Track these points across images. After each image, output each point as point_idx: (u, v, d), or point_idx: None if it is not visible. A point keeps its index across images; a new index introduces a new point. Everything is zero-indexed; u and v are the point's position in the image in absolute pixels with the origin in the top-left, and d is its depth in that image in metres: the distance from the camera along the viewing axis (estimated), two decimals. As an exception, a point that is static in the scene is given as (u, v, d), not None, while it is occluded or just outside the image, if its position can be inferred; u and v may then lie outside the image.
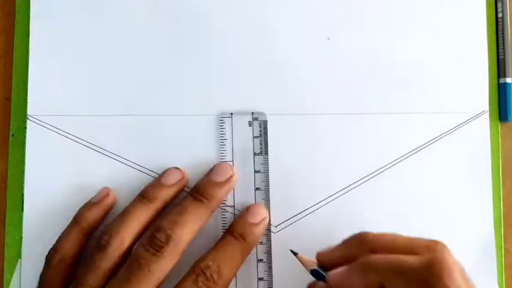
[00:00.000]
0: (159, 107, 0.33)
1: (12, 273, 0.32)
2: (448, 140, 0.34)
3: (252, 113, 0.33)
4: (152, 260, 0.27)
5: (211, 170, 0.31)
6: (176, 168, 0.32)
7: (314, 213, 0.32)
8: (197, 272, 0.27)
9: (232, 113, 0.33)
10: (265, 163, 0.32)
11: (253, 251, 0.31)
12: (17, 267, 0.32)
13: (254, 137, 0.32)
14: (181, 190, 0.31)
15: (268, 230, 0.32)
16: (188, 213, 0.29)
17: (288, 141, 0.33)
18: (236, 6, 0.34)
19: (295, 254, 0.29)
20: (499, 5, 0.35)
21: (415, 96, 0.34)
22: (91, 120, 0.33)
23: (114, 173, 0.32)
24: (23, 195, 0.32)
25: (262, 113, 0.33)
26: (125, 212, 0.29)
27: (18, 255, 0.32)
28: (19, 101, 0.33)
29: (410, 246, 0.26)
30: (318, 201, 0.32)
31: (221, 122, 0.33)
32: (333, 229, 0.32)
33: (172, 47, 0.33)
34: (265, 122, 0.33)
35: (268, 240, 0.32)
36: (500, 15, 0.35)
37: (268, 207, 0.32)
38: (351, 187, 0.33)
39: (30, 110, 0.33)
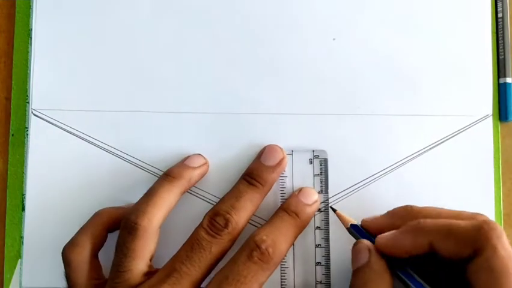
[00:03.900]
0: (164, 104, 0.33)
1: (12, 273, 0.32)
2: (451, 143, 0.33)
3: (313, 151, 0.32)
4: (214, 242, 0.27)
5: (262, 152, 0.32)
6: (199, 154, 0.32)
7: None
8: (252, 247, 0.27)
9: (292, 150, 0.32)
10: (326, 201, 0.32)
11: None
12: (17, 267, 0.32)
13: (315, 175, 0.32)
14: (203, 175, 0.31)
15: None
16: (244, 199, 0.29)
17: (296, 139, 0.33)
18: (241, 6, 0.34)
19: (334, 210, 0.31)
20: (499, 5, 0.35)
21: (418, 98, 0.34)
22: (95, 115, 0.33)
23: (117, 170, 0.32)
24: (23, 195, 0.32)
25: (323, 151, 0.32)
26: (151, 191, 0.29)
27: (18, 255, 0.32)
28: (19, 101, 0.33)
29: (456, 217, 0.26)
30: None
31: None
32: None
33: (177, 43, 0.33)
34: (325, 160, 0.32)
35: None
36: (500, 15, 0.35)
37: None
38: (354, 188, 0.33)
39: (34, 104, 0.33)
